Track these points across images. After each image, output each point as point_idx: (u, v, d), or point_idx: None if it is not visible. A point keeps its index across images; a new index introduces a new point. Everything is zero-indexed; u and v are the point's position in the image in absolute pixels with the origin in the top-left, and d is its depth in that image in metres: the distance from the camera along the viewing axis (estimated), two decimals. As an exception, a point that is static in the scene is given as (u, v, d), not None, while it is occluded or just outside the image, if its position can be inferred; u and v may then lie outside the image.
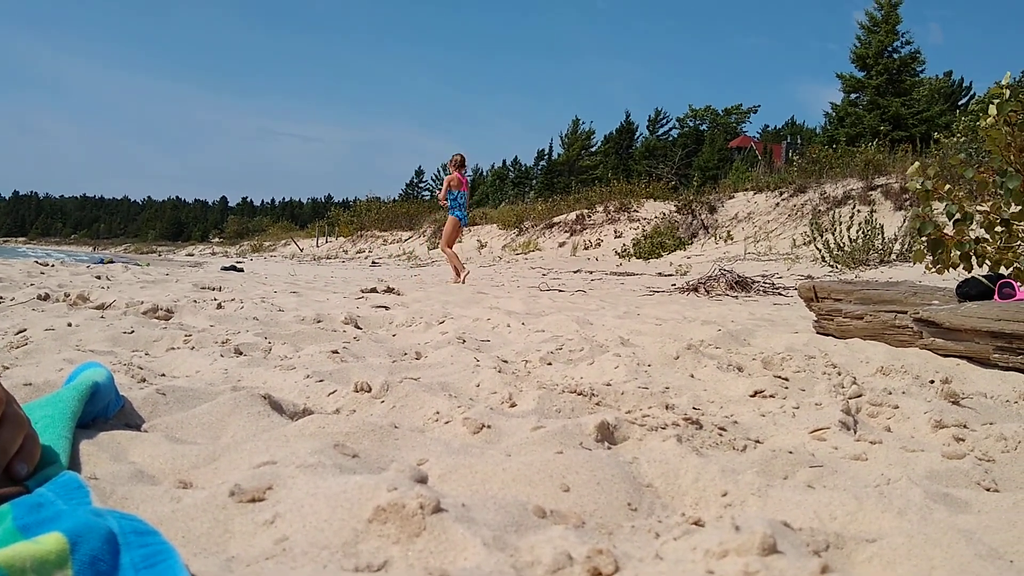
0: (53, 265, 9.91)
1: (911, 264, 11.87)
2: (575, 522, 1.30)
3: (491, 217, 35.46)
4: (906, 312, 3.89)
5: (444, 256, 12.48)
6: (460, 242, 12.69)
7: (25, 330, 3.42)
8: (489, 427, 1.96)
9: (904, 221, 13.94)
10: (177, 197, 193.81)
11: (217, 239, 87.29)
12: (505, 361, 3.16)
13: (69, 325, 3.61)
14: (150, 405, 1.96)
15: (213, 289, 6.92)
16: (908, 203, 17.44)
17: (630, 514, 1.40)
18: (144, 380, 2.37)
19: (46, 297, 4.83)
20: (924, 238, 4.61)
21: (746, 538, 0.94)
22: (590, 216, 28.92)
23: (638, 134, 66.22)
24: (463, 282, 11.24)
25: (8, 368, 2.48)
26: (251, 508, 1.19)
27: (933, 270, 4.58)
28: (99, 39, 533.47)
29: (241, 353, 3.11)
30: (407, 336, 4.21)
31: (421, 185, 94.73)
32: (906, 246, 13.15)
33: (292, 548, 1.07)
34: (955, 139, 19.13)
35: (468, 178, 12.71)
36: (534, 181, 71.33)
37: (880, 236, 13.50)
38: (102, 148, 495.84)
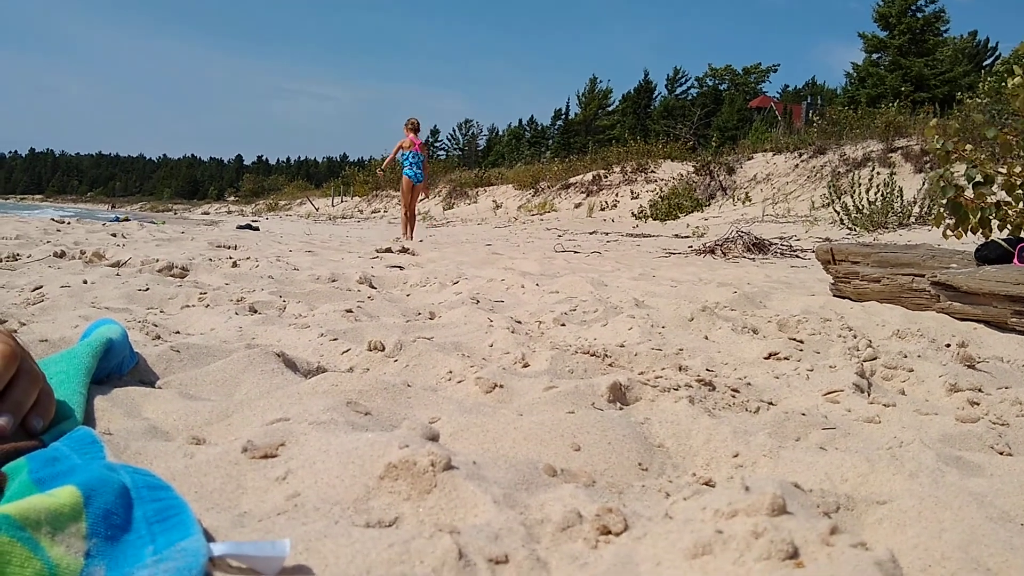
0: (69, 223, 9.95)
1: (930, 227, 11.78)
2: (585, 481, 1.30)
3: (507, 177, 35.31)
4: (923, 275, 3.87)
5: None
6: (423, 199, 13.40)
7: (41, 287, 3.44)
8: (501, 387, 1.96)
9: (924, 184, 13.79)
10: (192, 155, 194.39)
11: (232, 198, 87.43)
12: (518, 322, 3.16)
13: (85, 282, 3.63)
14: (164, 362, 1.97)
15: (228, 247, 6.94)
16: (928, 166, 17.26)
17: (641, 474, 1.40)
18: (159, 337, 2.39)
19: (62, 254, 4.86)
20: (944, 201, 4.57)
21: (756, 498, 0.94)
22: (607, 177, 28.77)
23: (656, 93, 65.84)
24: (406, 238, 11.92)
25: (25, 324, 2.50)
26: (263, 464, 1.20)
27: (952, 233, 4.54)
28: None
29: (256, 311, 3.12)
30: (421, 296, 4.21)
31: (437, 145, 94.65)
32: (925, 209, 13.03)
33: (304, 504, 1.07)
34: (978, 100, 18.88)
35: (421, 140, 13.35)
36: (550, 141, 71.09)
37: (899, 199, 13.38)
38: (117, 106, 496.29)
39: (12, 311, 2.76)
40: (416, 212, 13.53)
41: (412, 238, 12.73)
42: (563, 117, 73.79)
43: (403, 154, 13.21)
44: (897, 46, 38.62)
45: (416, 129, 13.31)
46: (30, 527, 0.84)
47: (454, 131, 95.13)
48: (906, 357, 2.55)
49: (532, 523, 1.02)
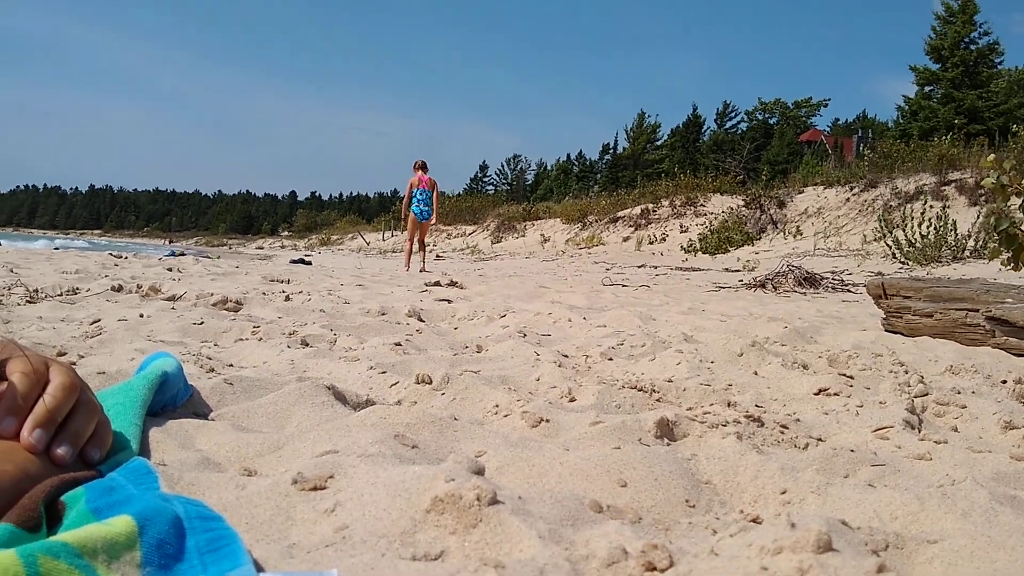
0: (126, 257, 10.17)
1: (986, 261, 11.57)
2: (631, 517, 1.30)
3: (554, 211, 35.44)
4: (978, 310, 3.80)
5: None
6: (430, 235, 14.76)
7: (99, 320, 3.53)
8: (548, 421, 1.96)
9: (979, 217, 13.56)
10: (247, 191, 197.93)
11: (286, 232, 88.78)
12: (565, 356, 3.17)
13: (141, 316, 3.71)
14: (218, 394, 2.01)
15: (281, 282, 7.04)
16: (983, 198, 17.00)
17: (687, 510, 1.40)
18: (212, 370, 2.43)
19: (119, 288, 4.97)
20: (999, 234, 4.50)
21: (801, 535, 0.93)
22: (655, 210, 28.72)
23: (705, 127, 65.61)
24: (406, 269, 13.10)
25: (83, 357, 2.56)
26: (313, 496, 1.21)
27: (1008, 267, 4.47)
28: (170, 34, 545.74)
29: (307, 344, 3.16)
30: (469, 329, 4.24)
31: (485, 180, 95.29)
32: (980, 243, 12.80)
33: (352, 536, 1.09)
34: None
35: (428, 178, 14.15)
36: (598, 175, 71.20)
37: (953, 232, 13.17)
38: (174, 142, 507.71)
39: (71, 344, 2.83)
40: (425, 243, 14.58)
41: (424, 267, 13.68)
42: (611, 151, 73.92)
43: (413, 192, 14.00)
44: (950, 79, 38.14)
45: (424, 168, 14.11)
46: (87, 555, 0.87)
47: (503, 166, 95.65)
48: (959, 393, 2.51)
49: (577, 559, 1.02)
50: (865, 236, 17.99)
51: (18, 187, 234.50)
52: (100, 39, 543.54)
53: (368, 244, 44.70)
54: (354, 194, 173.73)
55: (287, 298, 5.11)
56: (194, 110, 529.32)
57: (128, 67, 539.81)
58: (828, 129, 64.04)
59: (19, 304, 4.05)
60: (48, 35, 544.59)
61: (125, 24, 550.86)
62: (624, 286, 9.38)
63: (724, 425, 1.95)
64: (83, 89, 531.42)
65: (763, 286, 9.05)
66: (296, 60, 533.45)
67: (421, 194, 13.88)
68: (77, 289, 4.89)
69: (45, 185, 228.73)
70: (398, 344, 3.21)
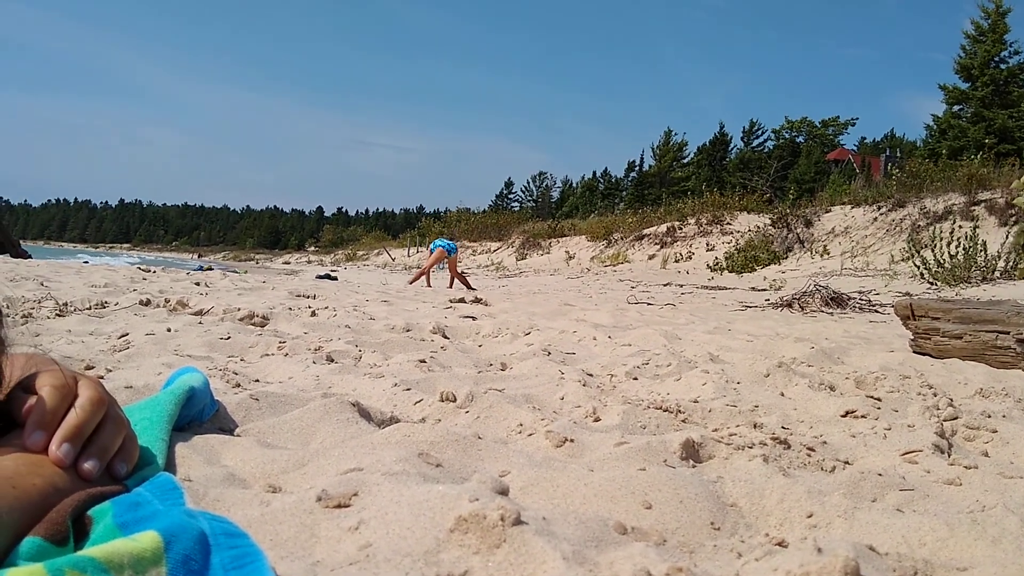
0: (154, 271, 10.26)
1: (1015, 282, 11.44)
2: (656, 539, 1.29)
3: (580, 228, 35.45)
4: (1008, 332, 3.76)
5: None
6: (461, 268, 16.46)
7: (127, 334, 3.56)
8: (572, 441, 1.96)
9: (1008, 236, 13.40)
10: (275, 206, 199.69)
11: (313, 248, 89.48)
12: (590, 375, 3.16)
13: (168, 330, 3.74)
14: (243, 410, 2.02)
15: (308, 297, 7.07)
16: (1013, 218, 16.82)
17: (713, 533, 1.39)
18: (238, 385, 2.44)
19: (148, 303, 5.01)
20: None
21: (828, 560, 0.92)
22: (681, 228, 28.65)
23: (732, 145, 65.46)
24: (410, 283, 14.59)
25: (111, 371, 2.59)
26: (337, 514, 1.22)
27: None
28: (200, 54, 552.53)
29: (332, 360, 3.17)
30: (493, 347, 4.23)
31: (510, 196, 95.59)
32: (1011, 263, 12.64)
33: (375, 555, 1.09)
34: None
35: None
36: (624, 192, 71.19)
37: (983, 252, 13.01)
38: (204, 158, 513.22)
39: (99, 358, 2.86)
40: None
41: (470, 285, 15.06)
42: (637, 169, 73.85)
43: (435, 243, 15.93)
44: (980, 98, 37.81)
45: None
46: (114, 569, 0.87)
47: (528, 183, 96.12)
48: (990, 417, 2.48)
49: (601, 581, 1.02)
50: (893, 256, 17.83)
51: (49, 201, 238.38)
52: (131, 56, 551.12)
53: (394, 260, 44.89)
54: (380, 210, 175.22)
55: (313, 313, 5.13)
56: (224, 126, 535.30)
57: (159, 84, 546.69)
58: (856, 148, 63.80)
59: (49, 317, 4.10)
60: (80, 52, 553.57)
61: (156, 41, 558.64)
62: (649, 304, 9.34)
63: (750, 447, 1.94)
64: (114, 105, 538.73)
65: (790, 306, 8.98)
66: (324, 78, 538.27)
67: (441, 240, 15.78)
68: (106, 303, 4.93)
69: (76, 199, 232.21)
70: (423, 361, 3.21)
